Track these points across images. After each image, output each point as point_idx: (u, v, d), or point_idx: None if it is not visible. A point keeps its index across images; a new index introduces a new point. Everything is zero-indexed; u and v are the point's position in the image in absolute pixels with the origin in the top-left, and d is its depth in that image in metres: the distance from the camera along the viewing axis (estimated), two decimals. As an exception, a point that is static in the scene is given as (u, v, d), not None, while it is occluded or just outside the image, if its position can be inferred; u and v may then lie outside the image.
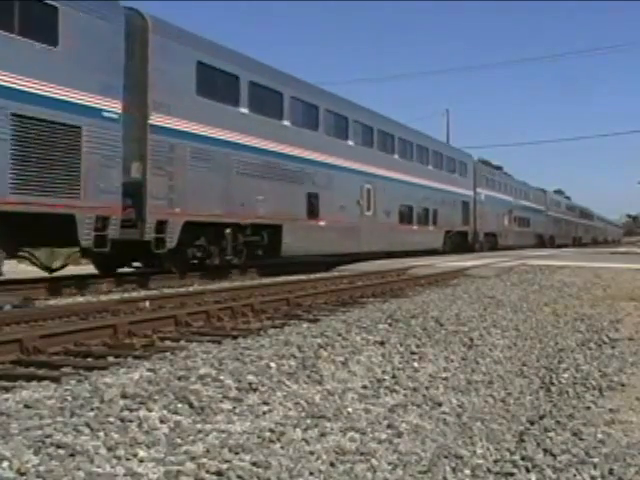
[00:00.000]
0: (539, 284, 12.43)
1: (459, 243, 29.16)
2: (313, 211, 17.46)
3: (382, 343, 5.73)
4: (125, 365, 4.78)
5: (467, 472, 3.38)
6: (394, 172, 22.61)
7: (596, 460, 3.46)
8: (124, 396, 3.63)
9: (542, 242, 47.48)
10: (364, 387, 4.59)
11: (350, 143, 19.75)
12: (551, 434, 3.95)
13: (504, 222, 37.32)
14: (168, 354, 5.17)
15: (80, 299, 10.22)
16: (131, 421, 3.28)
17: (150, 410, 3.45)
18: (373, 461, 3.30)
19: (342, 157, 19.06)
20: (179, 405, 3.57)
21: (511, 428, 4.28)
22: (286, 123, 16.41)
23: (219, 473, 2.84)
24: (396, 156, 23.18)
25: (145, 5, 12.51)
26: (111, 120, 10.65)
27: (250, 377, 4.18)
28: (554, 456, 3.55)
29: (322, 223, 17.78)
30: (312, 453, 3.26)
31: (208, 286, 12.55)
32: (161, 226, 12.09)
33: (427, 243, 25.46)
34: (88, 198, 10.18)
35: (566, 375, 5.67)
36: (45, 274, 12.60)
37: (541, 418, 4.43)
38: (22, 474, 2.62)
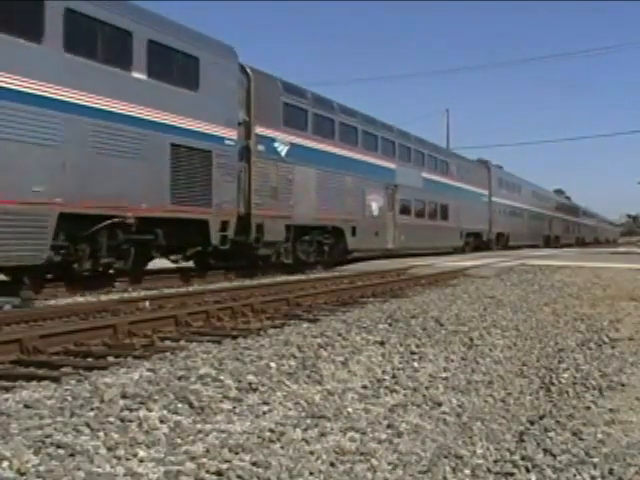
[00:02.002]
0: (539, 284, 12.42)
1: (161, 249, 12.48)
2: None
3: (382, 343, 5.73)
4: (125, 365, 4.79)
5: (467, 472, 3.39)
6: None
7: (596, 460, 3.46)
8: (124, 396, 3.63)
9: (483, 242, 32.28)
10: (364, 387, 4.59)
11: None
12: (551, 434, 3.95)
13: (370, 208, 20.25)
14: (168, 354, 5.17)
15: (80, 299, 10.21)
16: (131, 421, 3.27)
17: (150, 410, 3.44)
18: (373, 461, 3.30)
19: None
20: (179, 405, 3.57)
21: (511, 428, 4.28)
22: None
23: (219, 473, 2.84)
24: None
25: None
26: None
27: (250, 377, 4.18)
28: (554, 456, 3.55)
29: None
30: (312, 453, 3.26)
31: (208, 286, 12.55)
32: None
33: None
34: None
35: (566, 375, 5.67)
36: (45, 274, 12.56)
37: (541, 418, 4.43)
38: (22, 474, 2.62)
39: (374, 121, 21.56)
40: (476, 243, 31.40)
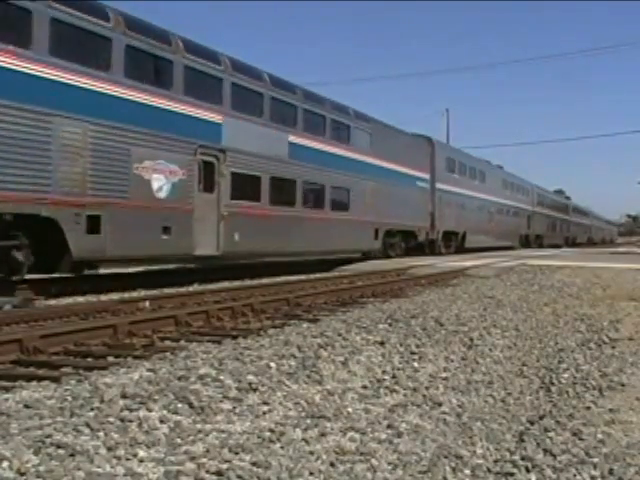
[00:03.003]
0: (539, 284, 12.42)
1: None
2: None
3: (382, 343, 5.73)
4: (125, 365, 4.79)
5: (467, 472, 3.38)
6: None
7: (596, 460, 3.46)
8: (124, 396, 3.63)
9: (420, 244, 23.81)
10: (364, 387, 4.59)
11: None
12: (551, 434, 3.95)
13: (145, 183, 11.48)
14: (168, 354, 5.18)
15: (80, 299, 10.21)
16: (131, 421, 3.28)
17: (150, 410, 3.45)
18: (373, 461, 3.30)
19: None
20: (179, 405, 3.57)
21: (511, 428, 4.28)
22: None
23: (219, 473, 2.84)
24: None
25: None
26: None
27: (250, 377, 4.18)
28: (554, 456, 3.54)
29: None
30: (312, 453, 3.26)
31: (208, 286, 12.55)
32: None
33: None
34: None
35: (566, 375, 5.67)
36: (45, 274, 12.58)
37: (541, 418, 4.43)
38: (22, 474, 2.62)
39: (164, 36, 12.34)
40: (409, 244, 23.01)
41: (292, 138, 16.03)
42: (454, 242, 27.21)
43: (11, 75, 9.25)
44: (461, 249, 27.28)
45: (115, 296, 10.55)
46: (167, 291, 11.44)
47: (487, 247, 30.30)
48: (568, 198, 63.09)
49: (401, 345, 5.79)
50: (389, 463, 3.33)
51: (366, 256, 20.29)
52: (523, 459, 3.53)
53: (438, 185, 25.46)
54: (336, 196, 18.05)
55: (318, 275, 15.74)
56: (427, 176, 24.65)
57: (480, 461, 3.55)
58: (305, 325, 6.69)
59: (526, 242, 40.40)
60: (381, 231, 20.51)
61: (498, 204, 34.60)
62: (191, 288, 12.32)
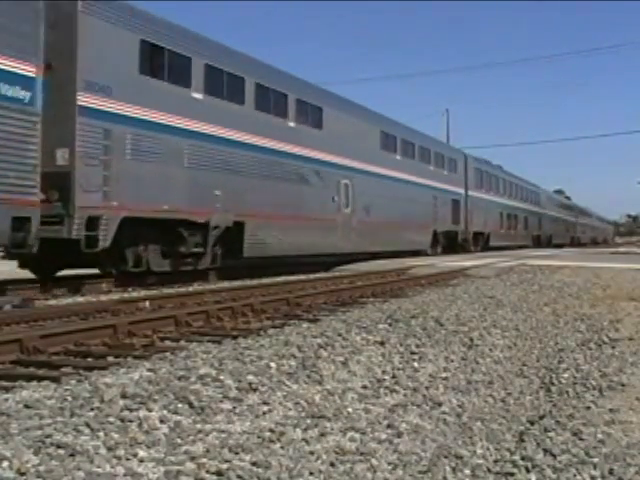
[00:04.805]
0: (539, 284, 12.42)
1: None
2: None
3: (382, 343, 5.73)
4: (125, 365, 4.79)
5: (467, 472, 3.38)
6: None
7: (596, 460, 3.46)
8: (124, 396, 3.63)
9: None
10: (364, 387, 4.59)
11: None
12: (551, 434, 3.95)
13: None
14: (168, 354, 5.18)
15: (80, 299, 10.22)
16: (131, 421, 3.27)
17: (150, 410, 3.45)
18: (373, 461, 3.29)
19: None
20: (179, 405, 3.57)
21: (511, 428, 4.28)
22: None
23: (219, 473, 2.84)
24: None
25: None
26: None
27: (250, 377, 4.18)
28: (554, 456, 3.54)
29: None
30: (312, 453, 3.26)
31: (208, 286, 12.55)
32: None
33: None
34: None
35: (566, 375, 5.67)
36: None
37: (541, 418, 4.43)
38: (22, 474, 2.62)
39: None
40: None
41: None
42: (203, 246, 12.95)
43: None
44: (237, 261, 14.31)
45: (115, 296, 10.55)
46: (167, 291, 11.44)
47: (338, 254, 17.65)
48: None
49: (401, 345, 5.79)
50: (389, 463, 3.33)
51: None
52: (523, 459, 3.53)
53: (87, 100, 10.38)
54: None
55: (318, 275, 15.75)
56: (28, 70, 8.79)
57: (480, 461, 3.55)
58: (305, 325, 6.69)
59: (450, 244, 26.65)
60: None
61: (369, 175, 19.09)
62: (191, 288, 12.33)
